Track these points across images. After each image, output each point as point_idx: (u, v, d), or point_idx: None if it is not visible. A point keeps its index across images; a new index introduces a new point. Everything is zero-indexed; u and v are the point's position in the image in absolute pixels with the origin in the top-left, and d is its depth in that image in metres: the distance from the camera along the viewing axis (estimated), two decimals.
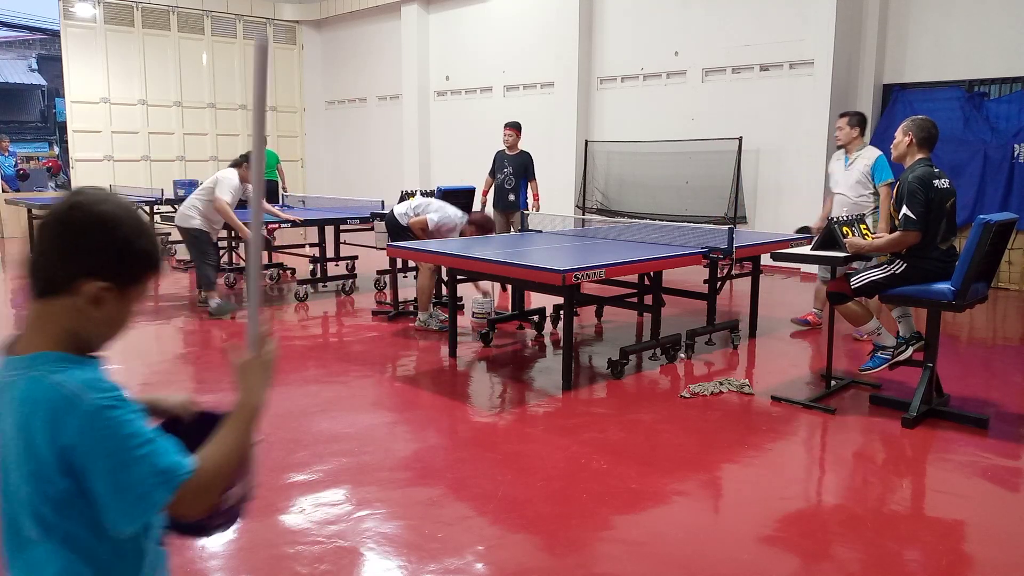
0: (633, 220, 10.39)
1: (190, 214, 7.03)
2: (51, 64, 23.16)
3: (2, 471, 1.17)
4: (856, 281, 4.48)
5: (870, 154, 5.91)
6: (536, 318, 6.47)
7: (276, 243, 8.55)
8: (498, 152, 8.60)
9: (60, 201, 1.16)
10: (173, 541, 1.38)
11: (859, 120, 6.01)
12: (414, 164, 14.62)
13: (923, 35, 8.96)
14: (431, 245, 5.76)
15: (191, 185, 11.01)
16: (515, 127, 8.51)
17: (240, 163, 7.17)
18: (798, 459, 3.95)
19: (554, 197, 11.59)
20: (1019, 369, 5.58)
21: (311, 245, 8.77)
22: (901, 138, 4.45)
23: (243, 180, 7.06)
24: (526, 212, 7.74)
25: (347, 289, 8.19)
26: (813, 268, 9.21)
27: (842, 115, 6.10)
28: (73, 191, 1.18)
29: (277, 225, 7.66)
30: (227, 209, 6.90)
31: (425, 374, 5.35)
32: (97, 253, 1.13)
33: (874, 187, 5.87)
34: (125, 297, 1.17)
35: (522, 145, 8.56)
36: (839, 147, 6.13)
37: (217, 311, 6.94)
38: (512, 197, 8.42)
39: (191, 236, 7.06)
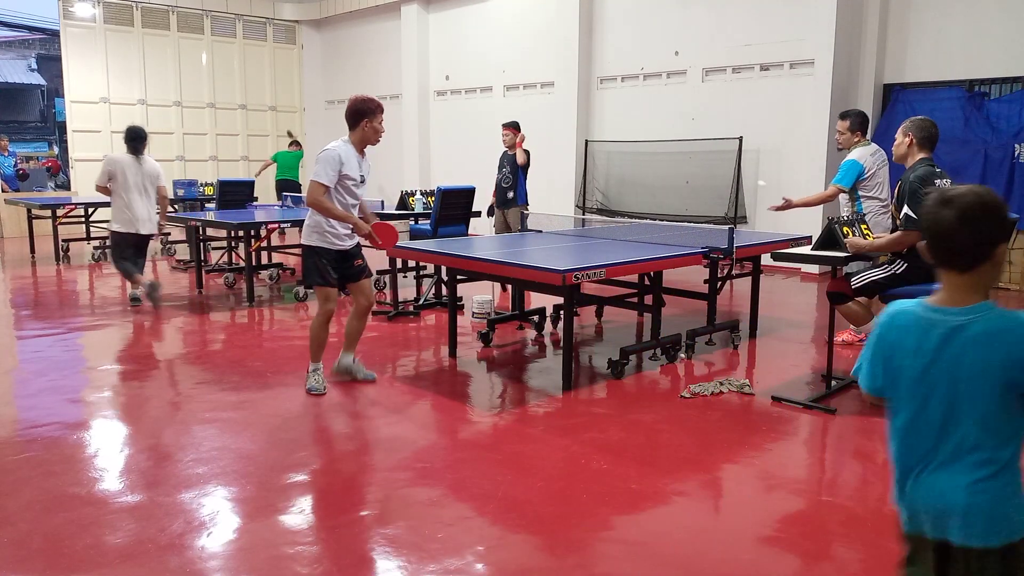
0: (633, 220, 10.39)
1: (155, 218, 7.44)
2: (51, 64, 23.17)
3: (946, 396, 1.63)
4: (857, 281, 4.48)
5: (847, 155, 5.78)
6: (536, 318, 6.47)
7: (276, 243, 8.53)
8: (503, 153, 8.60)
9: (967, 200, 1.61)
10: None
11: (859, 123, 5.82)
12: (414, 164, 14.62)
13: (923, 35, 8.96)
14: (430, 245, 5.76)
15: (190, 185, 11.01)
16: (514, 127, 8.50)
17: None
18: (798, 459, 3.95)
19: (554, 197, 11.61)
20: None
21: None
22: (901, 139, 4.45)
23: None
24: (526, 213, 7.71)
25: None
26: (814, 268, 9.26)
27: (842, 117, 5.91)
28: (964, 191, 1.63)
29: (276, 225, 7.65)
30: (166, 198, 7.61)
31: (425, 374, 5.35)
32: (999, 226, 1.61)
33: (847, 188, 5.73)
34: (1004, 249, 1.65)
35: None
36: (839, 149, 6.07)
37: (150, 294, 7.10)
38: (511, 195, 8.42)
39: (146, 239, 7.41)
